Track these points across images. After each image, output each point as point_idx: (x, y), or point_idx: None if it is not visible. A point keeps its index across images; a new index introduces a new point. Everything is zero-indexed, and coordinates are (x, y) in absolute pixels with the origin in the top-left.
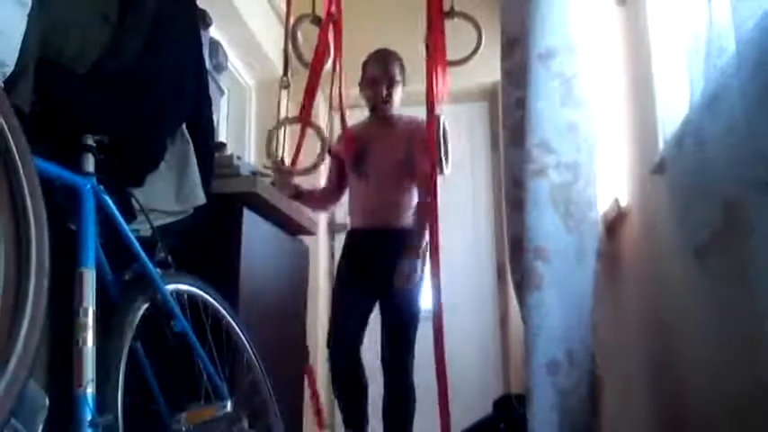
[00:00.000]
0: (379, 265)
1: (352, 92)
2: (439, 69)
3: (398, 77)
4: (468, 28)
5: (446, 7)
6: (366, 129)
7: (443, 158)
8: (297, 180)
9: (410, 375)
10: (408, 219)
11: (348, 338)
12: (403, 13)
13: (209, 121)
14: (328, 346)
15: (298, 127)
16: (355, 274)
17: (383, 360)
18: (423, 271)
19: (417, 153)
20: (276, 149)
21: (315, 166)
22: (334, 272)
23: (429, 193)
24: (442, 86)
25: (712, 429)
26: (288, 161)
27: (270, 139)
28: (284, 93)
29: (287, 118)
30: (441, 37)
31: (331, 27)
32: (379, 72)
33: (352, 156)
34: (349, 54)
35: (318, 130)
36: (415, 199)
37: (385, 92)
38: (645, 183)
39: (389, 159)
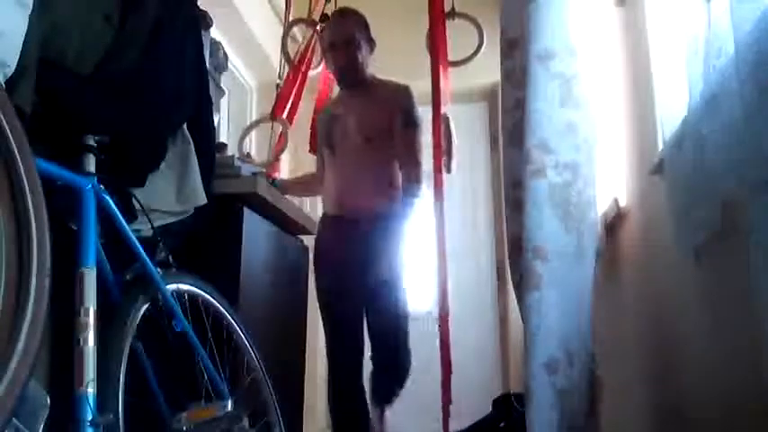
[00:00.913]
0: (354, 261)
1: None
2: (441, 69)
3: (357, 37)
4: (470, 28)
5: (447, 8)
6: (337, 102)
7: (449, 158)
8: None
9: (405, 334)
10: (390, 205)
11: (349, 376)
12: (404, 13)
13: (209, 122)
14: (329, 381)
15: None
16: (334, 280)
17: (373, 359)
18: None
19: (397, 125)
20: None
21: (276, 157)
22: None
23: (412, 175)
24: (444, 87)
25: (712, 429)
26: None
27: (242, 137)
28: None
29: (257, 120)
30: (442, 38)
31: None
32: (335, 35)
33: (323, 131)
34: None
35: (283, 123)
36: (399, 180)
37: (344, 56)
38: (644, 183)
39: (360, 130)
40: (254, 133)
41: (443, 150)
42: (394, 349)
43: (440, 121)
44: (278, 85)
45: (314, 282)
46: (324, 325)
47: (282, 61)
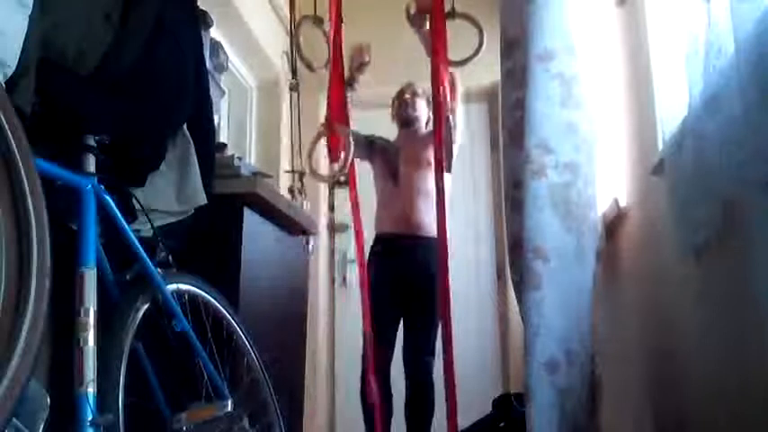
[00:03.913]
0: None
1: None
2: (442, 70)
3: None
4: (470, 28)
5: (447, 8)
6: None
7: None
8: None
9: (431, 374)
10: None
11: (383, 368)
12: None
13: (209, 122)
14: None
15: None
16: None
17: (405, 360)
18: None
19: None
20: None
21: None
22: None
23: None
24: (445, 87)
25: (712, 429)
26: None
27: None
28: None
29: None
30: (443, 38)
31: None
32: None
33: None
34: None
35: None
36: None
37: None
38: (644, 183)
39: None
40: (254, 134)
41: (447, 151)
42: (423, 343)
43: (442, 121)
44: (294, 84)
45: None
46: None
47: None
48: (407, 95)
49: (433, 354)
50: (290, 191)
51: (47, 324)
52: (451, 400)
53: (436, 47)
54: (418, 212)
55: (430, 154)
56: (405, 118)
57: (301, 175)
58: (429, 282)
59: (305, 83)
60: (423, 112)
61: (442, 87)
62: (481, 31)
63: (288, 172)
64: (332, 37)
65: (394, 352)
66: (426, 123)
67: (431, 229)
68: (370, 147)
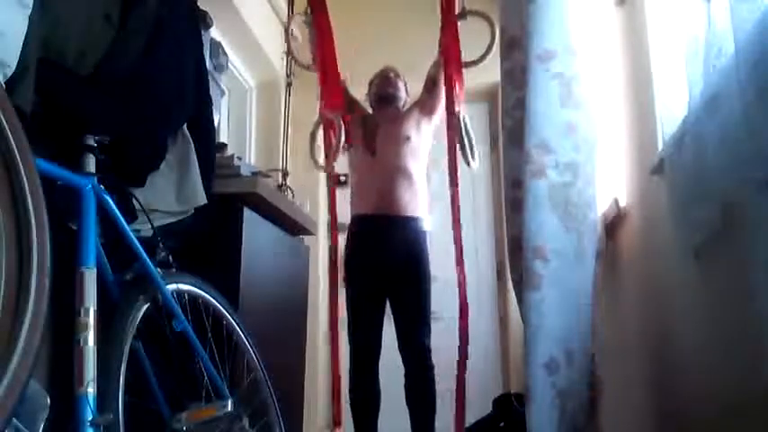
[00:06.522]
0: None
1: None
2: (454, 70)
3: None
4: (478, 30)
5: (458, 8)
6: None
7: (470, 152)
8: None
9: (430, 356)
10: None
11: (370, 360)
12: (418, 13)
13: (209, 122)
14: (352, 365)
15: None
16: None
17: (401, 345)
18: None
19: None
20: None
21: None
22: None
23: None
24: (458, 88)
25: (711, 428)
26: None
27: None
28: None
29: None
30: (454, 40)
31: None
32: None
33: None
34: (357, 50)
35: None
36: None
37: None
38: (644, 183)
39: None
40: (254, 134)
41: (460, 146)
42: (420, 323)
43: (453, 119)
44: (289, 84)
45: (345, 276)
46: (350, 315)
47: (289, 58)
48: (388, 74)
49: (428, 335)
50: (279, 188)
51: (47, 324)
52: (459, 401)
53: (447, 47)
54: (396, 191)
55: (408, 130)
56: (385, 94)
57: (285, 173)
58: (413, 260)
59: (305, 82)
60: (402, 92)
61: (453, 89)
62: (493, 28)
63: (270, 170)
64: (316, 25)
65: (381, 342)
66: (403, 106)
67: (409, 207)
68: (351, 104)
